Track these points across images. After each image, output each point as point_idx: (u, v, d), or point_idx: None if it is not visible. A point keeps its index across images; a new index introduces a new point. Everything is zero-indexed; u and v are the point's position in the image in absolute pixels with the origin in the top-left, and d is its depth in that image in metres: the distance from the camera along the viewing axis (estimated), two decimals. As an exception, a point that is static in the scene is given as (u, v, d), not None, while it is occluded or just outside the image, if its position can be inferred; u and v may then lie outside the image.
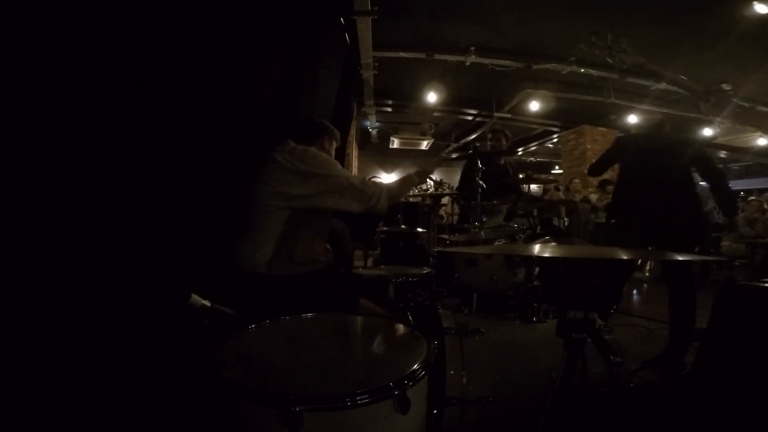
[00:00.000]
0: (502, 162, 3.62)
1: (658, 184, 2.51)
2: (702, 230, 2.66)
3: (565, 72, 5.19)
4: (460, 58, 4.95)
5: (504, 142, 3.60)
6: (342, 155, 3.84)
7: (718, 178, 2.58)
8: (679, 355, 2.28)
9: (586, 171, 7.51)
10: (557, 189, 6.40)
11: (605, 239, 3.24)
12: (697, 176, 2.64)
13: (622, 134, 3.09)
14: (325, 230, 1.73)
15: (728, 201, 2.67)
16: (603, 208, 5.84)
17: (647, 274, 5.45)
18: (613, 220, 2.85)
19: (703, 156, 2.59)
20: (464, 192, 3.10)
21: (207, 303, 0.88)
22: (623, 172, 2.81)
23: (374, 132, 9.06)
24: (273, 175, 1.54)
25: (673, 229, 2.41)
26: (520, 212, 3.12)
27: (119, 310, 1.05)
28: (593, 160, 3.04)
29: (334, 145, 1.91)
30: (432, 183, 3.01)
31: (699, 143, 2.72)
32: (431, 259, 2.32)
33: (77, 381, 0.95)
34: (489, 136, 3.77)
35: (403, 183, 1.84)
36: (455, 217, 5.62)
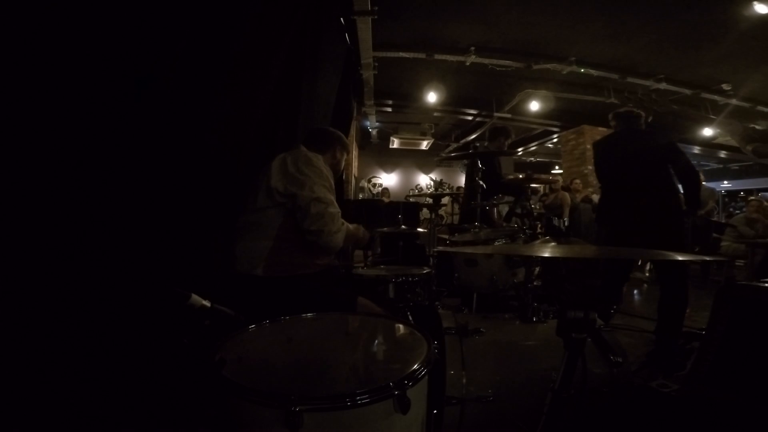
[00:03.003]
0: (496, 163, 3.46)
1: (633, 185, 2.51)
2: (679, 228, 2.55)
3: (565, 72, 5.19)
4: (460, 58, 4.95)
5: (504, 141, 3.47)
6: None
7: (687, 171, 2.49)
8: (670, 355, 2.28)
9: (586, 171, 7.56)
10: (563, 189, 6.40)
11: (601, 242, 3.23)
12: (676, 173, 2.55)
13: (597, 140, 3.05)
14: None
15: (692, 194, 2.54)
16: None
17: (647, 274, 5.45)
18: (601, 224, 2.86)
19: (674, 149, 2.53)
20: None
21: (207, 303, 0.88)
22: (603, 176, 2.82)
23: (374, 132, 9.07)
24: (274, 174, 1.56)
25: (651, 228, 2.40)
26: (519, 212, 3.12)
27: (120, 309, 1.05)
28: (593, 161, 3.04)
29: (345, 156, 1.93)
30: (432, 183, 3.02)
31: (670, 138, 2.65)
32: (431, 259, 2.32)
33: (78, 381, 0.95)
34: (487, 135, 3.72)
35: (358, 234, 1.78)
36: (455, 217, 5.63)
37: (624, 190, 2.60)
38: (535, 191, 3.00)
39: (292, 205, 1.54)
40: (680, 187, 2.54)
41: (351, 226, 1.70)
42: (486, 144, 3.50)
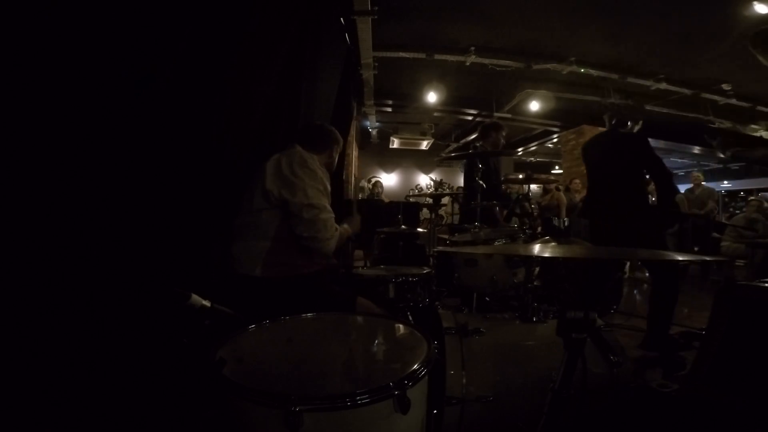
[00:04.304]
0: (491, 164, 3.23)
1: (607, 184, 2.65)
2: (651, 227, 2.60)
3: (565, 72, 5.19)
4: (460, 58, 4.95)
5: (496, 135, 3.30)
6: (342, 155, 3.85)
7: (660, 174, 2.57)
8: (664, 351, 2.32)
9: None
10: (558, 189, 6.40)
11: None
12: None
13: (587, 139, 3.24)
14: None
15: (662, 195, 2.67)
16: None
17: (647, 274, 5.45)
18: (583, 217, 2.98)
19: (648, 153, 2.58)
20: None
21: (207, 303, 0.88)
22: (588, 174, 2.98)
23: (374, 132, 9.06)
24: (269, 176, 1.54)
25: (625, 226, 2.48)
26: (519, 212, 3.12)
27: (120, 309, 1.05)
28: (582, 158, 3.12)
29: (338, 151, 1.93)
30: (432, 183, 3.02)
31: (643, 136, 2.72)
32: (431, 259, 2.32)
33: (78, 380, 0.95)
34: (479, 135, 3.68)
35: (347, 234, 1.81)
36: (455, 217, 5.62)
37: (602, 187, 2.75)
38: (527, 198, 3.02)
39: (286, 210, 1.54)
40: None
41: (342, 228, 1.71)
42: (480, 143, 3.48)
